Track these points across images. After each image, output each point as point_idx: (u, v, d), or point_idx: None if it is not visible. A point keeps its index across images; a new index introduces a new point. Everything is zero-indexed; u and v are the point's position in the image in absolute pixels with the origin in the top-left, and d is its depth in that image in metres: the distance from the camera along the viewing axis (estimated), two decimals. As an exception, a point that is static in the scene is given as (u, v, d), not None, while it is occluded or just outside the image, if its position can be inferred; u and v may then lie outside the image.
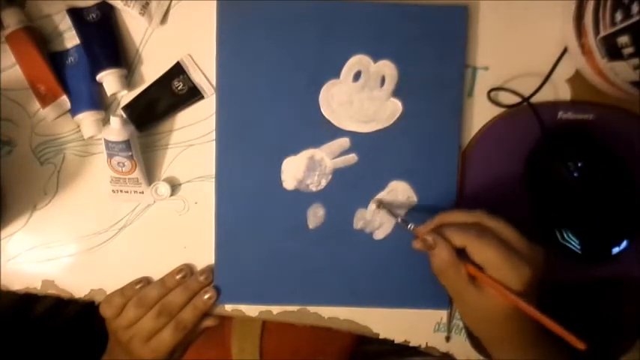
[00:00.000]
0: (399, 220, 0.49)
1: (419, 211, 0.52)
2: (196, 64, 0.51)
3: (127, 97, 0.51)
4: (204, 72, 0.51)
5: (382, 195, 0.52)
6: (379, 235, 0.52)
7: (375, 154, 0.52)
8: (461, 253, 0.43)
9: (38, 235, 0.53)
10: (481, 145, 0.53)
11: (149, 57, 0.52)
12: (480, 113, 0.53)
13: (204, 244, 0.52)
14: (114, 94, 0.51)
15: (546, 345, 0.44)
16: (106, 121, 0.51)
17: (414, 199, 0.52)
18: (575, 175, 0.49)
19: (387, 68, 0.51)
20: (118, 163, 0.49)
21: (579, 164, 0.49)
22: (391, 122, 0.51)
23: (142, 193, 0.52)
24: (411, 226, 0.48)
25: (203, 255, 0.53)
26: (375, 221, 0.52)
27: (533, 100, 0.52)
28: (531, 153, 0.52)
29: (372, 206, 0.51)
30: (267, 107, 0.51)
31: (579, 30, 0.48)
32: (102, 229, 0.53)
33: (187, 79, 0.51)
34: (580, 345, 0.38)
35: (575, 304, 0.53)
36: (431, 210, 0.52)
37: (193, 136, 0.52)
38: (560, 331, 0.39)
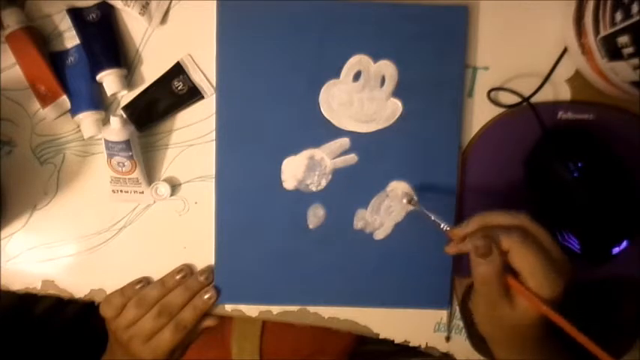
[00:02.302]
0: (432, 218, 0.47)
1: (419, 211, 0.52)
2: (196, 64, 0.51)
3: (127, 97, 0.51)
4: (204, 72, 0.51)
5: (382, 195, 0.52)
6: (379, 235, 0.52)
7: (375, 154, 0.52)
8: None
9: (38, 235, 0.53)
10: (481, 145, 0.53)
11: (149, 57, 0.52)
12: (480, 113, 0.53)
13: (204, 244, 0.52)
14: (114, 94, 0.51)
15: (551, 346, 0.45)
16: (106, 121, 0.51)
17: (415, 199, 0.52)
18: (575, 175, 0.49)
19: (387, 68, 0.51)
20: (118, 163, 0.49)
21: (579, 164, 0.49)
22: (391, 122, 0.51)
23: (142, 193, 0.52)
24: (444, 226, 0.46)
25: (203, 255, 0.53)
26: (375, 221, 0.52)
27: (533, 100, 0.52)
28: (531, 153, 0.52)
29: (403, 201, 0.50)
30: (267, 107, 0.51)
31: (579, 30, 0.48)
32: (102, 229, 0.53)
33: (187, 79, 0.51)
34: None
35: (575, 304, 0.53)
36: (431, 210, 0.52)
37: (193, 136, 0.52)
38: (591, 346, 0.39)
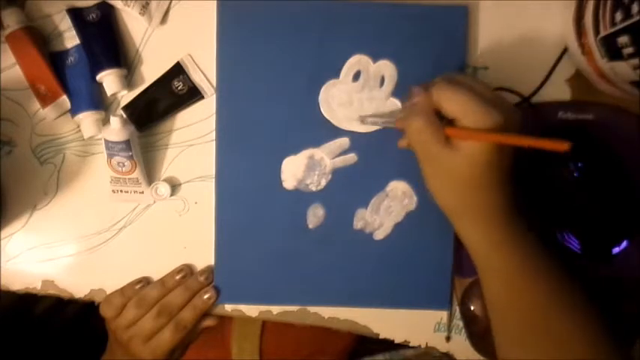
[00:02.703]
0: (381, 123, 0.48)
1: (419, 211, 0.52)
2: (196, 64, 0.51)
3: (127, 97, 0.51)
4: (204, 72, 0.51)
5: (382, 195, 0.52)
6: (379, 235, 0.52)
7: (375, 154, 0.52)
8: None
9: (38, 235, 0.53)
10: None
11: (149, 57, 0.52)
12: (480, 113, 0.53)
13: (204, 244, 0.52)
14: (114, 94, 0.51)
15: (514, 227, 0.43)
16: (106, 121, 0.51)
17: (414, 199, 0.52)
18: (575, 175, 0.49)
19: (386, 68, 0.51)
20: (118, 163, 0.49)
21: (579, 164, 0.49)
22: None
23: (142, 193, 0.52)
24: (393, 121, 0.46)
25: (203, 255, 0.53)
26: (375, 221, 0.52)
27: (533, 100, 0.52)
28: (531, 153, 0.52)
29: (362, 120, 0.50)
30: (267, 107, 0.51)
31: (579, 30, 0.48)
32: (102, 229, 0.53)
33: (187, 79, 0.51)
34: (563, 146, 0.37)
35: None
36: (431, 210, 0.52)
37: (193, 136, 0.52)
38: (540, 142, 0.38)
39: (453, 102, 0.40)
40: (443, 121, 0.41)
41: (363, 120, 0.50)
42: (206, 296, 0.52)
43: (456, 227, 0.44)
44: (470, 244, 0.44)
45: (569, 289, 0.43)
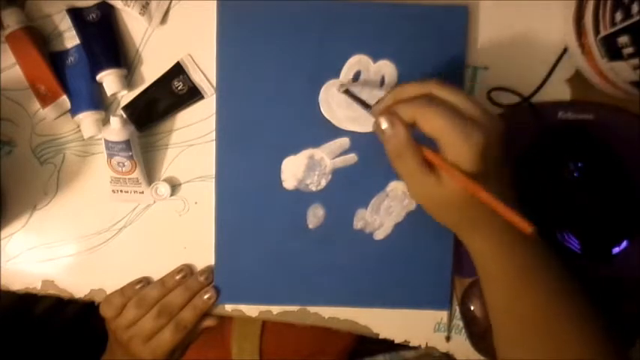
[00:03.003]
0: (359, 103, 0.46)
1: (419, 211, 0.52)
2: (196, 64, 0.51)
3: (127, 97, 0.51)
4: (204, 72, 0.51)
5: (382, 195, 0.52)
6: (379, 235, 0.52)
7: (375, 154, 0.51)
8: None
9: (38, 235, 0.53)
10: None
11: (149, 57, 0.52)
12: (480, 113, 0.53)
13: (204, 244, 0.52)
14: (114, 94, 0.51)
15: (514, 230, 0.41)
16: (106, 121, 0.51)
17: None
18: (575, 175, 0.49)
19: (386, 68, 0.51)
20: (118, 163, 0.49)
21: (579, 164, 0.49)
22: (391, 122, 0.51)
23: (142, 193, 0.52)
24: (370, 108, 0.44)
25: (203, 255, 0.53)
26: (375, 221, 0.52)
27: (533, 100, 0.52)
28: (531, 153, 0.52)
29: (335, 90, 0.49)
30: (267, 107, 0.51)
31: (579, 30, 0.48)
32: (102, 229, 0.53)
33: (187, 79, 0.51)
34: (527, 229, 0.35)
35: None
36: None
37: (193, 136, 0.52)
38: (509, 215, 0.36)
39: (430, 124, 0.38)
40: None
41: (342, 90, 0.48)
42: (206, 296, 0.52)
43: (457, 236, 0.44)
44: (471, 251, 0.44)
45: (570, 290, 0.43)
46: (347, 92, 0.49)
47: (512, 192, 0.41)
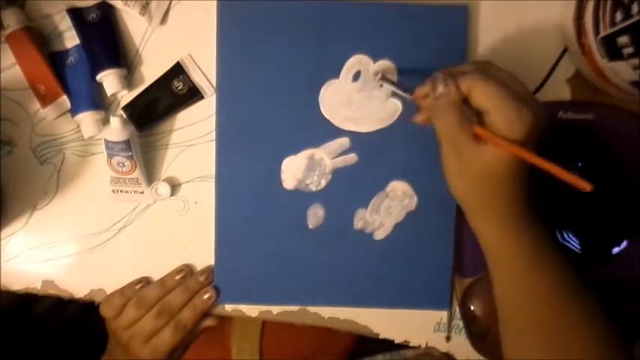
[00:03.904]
0: (400, 91, 0.46)
1: (419, 211, 0.52)
2: (196, 64, 0.51)
3: (127, 97, 0.51)
4: (204, 72, 0.51)
5: (382, 195, 0.52)
6: (379, 235, 0.52)
7: (375, 154, 0.52)
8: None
9: (38, 235, 0.53)
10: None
11: (149, 57, 0.52)
12: (480, 113, 0.53)
13: (204, 244, 0.52)
14: (114, 94, 0.51)
15: (527, 221, 0.43)
16: (106, 121, 0.51)
17: (415, 199, 0.52)
18: (575, 174, 0.49)
19: (386, 68, 0.51)
20: (118, 163, 0.49)
21: (579, 164, 0.49)
22: (391, 122, 0.51)
23: (142, 193, 0.52)
24: (412, 94, 0.44)
25: (203, 255, 0.53)
26: (375, 221, 0.52)
27: (533, 100, 0.52)
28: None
29: (375, 77, 0.49)
30: (267, 107, 0.51)
31: (579, 30, 0.48)
32: (102, 229, 0.53)
33: (187, 79, 0.51)
34: (586, 186, 0.37)
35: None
36: (432, 210, 0.52)
37: (193, 136, 0.52)
38: (564, 174, 0.38)
39: (485, 95, 0.39)
40: (471, 111, 0.41)
41: (378, 77, 0.48)
42: (206, 296, 0.51)
43: (468, 219, 0.44)
44: (482, 236, 0.44)
45: (578, 288, 0.43)
46: (384, 79, 0.48)
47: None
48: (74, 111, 0.50)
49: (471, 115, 0.40)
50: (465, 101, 0.41)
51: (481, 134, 0.40)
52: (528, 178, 0.42)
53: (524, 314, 0.43)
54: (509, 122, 0.39)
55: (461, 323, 0.54)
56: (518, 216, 0.42)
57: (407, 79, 0.51)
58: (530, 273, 0.42)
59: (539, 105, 0.41)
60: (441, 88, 0.41)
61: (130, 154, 0.48)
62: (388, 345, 0.56)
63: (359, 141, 0.51)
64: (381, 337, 0.55)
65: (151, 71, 0.51)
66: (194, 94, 0.51)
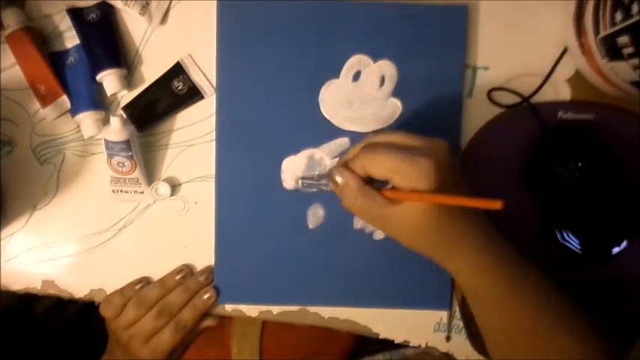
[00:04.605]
0: (316, 187, 0.49)
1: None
2: (196, 64, 0.51)
3: (127, 97, 0.51)
4: (204, 72, 0.51)
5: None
6: (379, 235, 0.52)
7: (375, 154, 0.51)
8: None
9: (38, 235, 0.53)
10: (481, 145, 0.53)
11: (149, 57, 0.52)
12: (480, 113, 0.53)
13: (204, 244, 0.52)
14: (114, 94, 0.51)
15: (493, 250, 0.43)
16: (106, 121, 0.51)
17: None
18: (575, 175, 0.49)
19: (386, 68, 0.51)
20: (118, 163, 0.49)
21: (579, 164, 0.49)
22: (391, 122, 0.51)
23: (142, 193, 0.52)
24: (326, 181, 0.47)
25: (203, 255, 0.53)
26: (375, 221, 0.52)
27: (533, 100, 0.52)
28: (531, 153, 0.52)
29: (297, 182, 0.51)
30: (267, 107, 0.51)
31: (579, 30, 0.48)
32: (102, 229, 0.53)
33: (187, 79, 0.51)
34: (496, 205, 0.37)
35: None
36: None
37: (193, 136, 0.52)
38: (472, 202, 0.39)
39: (378, 167, 0.40)
40: (376, 183, 0.42)
41: (298, 182, 0.50)
42: (206, 296, 0.52)
43: (439, 263, 0.44)
44: (454, 276, 0.44)
45: (556, 303, 0.43)
46: (304, 181, 0.49)
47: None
48: (74, 111, 0.50)
49: (375, 192, 0.41)
50: (372, 180, 0.42)
51: (392, 196, 0.41)
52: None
53: (502, 336, 0.44)
54: (411, 177, 0.39)
55: (461, 323, 0.54)
56: (481, 247, 0.42)
57: (407, 79, 0.51)
58: (507, 301, 0.43)
59: (434, 142, 0.41)
60: (339, 180, 0.42)
61: (130, 154, 0.48)
62: (388, 345, 0.56)
63: (359, 141, 0.51)
64: (381, 337, 0.55)
65: (151, 71, 0.51)
66: (194, 94, 0.51)
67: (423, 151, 0.40)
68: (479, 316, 0.45)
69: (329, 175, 0.44)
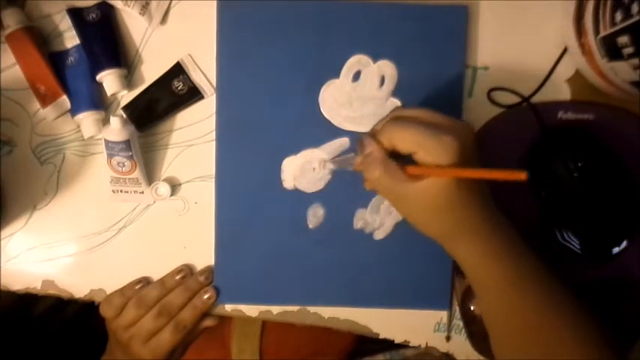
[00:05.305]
0: (344, 161, 0.49)
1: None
2: (196, 64, 0.51)
3: (127, 97, 0.51)
4: (204, 72, 0.51)
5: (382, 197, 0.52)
6: (379, 235, 0.52)
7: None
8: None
9: (38, 235, 0.53)
10: (481, 145, 0.53)
11: (149, 57, 0.52)
12: (480, 113, 0.53)
13: (204, 244, 0.52)
14: (114, 94, 0.51)
15: (500, 238, 0.43)
16: (106, 121, 0.51)
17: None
18: (575, 175, 0.49)
19: (386, 68, 0.51)
20: (118, 163, 0.49)
21: (579, 164, 0.49)
22: (391, 122, 0.51)
23: (142, 193, 0.52)
24: (352, 162, 0.47)
25: (203, 255, 0.53)
26: (375, 221, 0.52)
27: (533, 100, 0.52)
28: (531, 153, 0.52)
29: (324, 167, 0.51)
30: (267, 107, 0.51)
31: (579, 30, 0.48)
32: (102, 229, 0.53)
33: (187, 79, 0.51)
34: (521, 175, 0.38)
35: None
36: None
37: (193, 136, 0.52)
38: (496, 174, 0.39)
39: (404, 140, 0.41)
40: (400, 159, 0.42)
41: (324, 165, 0.51)
42: (206, 296, 0.52)
43: (446, 249, 0.44)
44: (461, 262, 0.44)
45: (562, 299, 0.43)
46: (327, 165, 0.50)
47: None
48: (74, 111, 0.50)
49: (397, 167, 0.41)
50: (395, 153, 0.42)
51: (415, 172, 0.41)
52: (488, 194, 0.43)
53: (509, 331, 0.44)
54: (434, 153, 0.39)
55: (461, 323, 0.54)
56: (488, 234, 0.42)
57: (407, 80, 0.51)
58: (513, 290, 0.42)
59: (464, 125, 0.42)
60: (366, 149, 0.43)
61: (130, 154, 0.48)
62: (388, 345, 0.56)
63: (359, 139, 0.51)
64: (381, 337, 0.55)
65: (151, 71, 0.51)
66: (194, 94, 0.51)
67: (450, 129, 0.40)
68: (484, 309, 0.45)
69: (358, 144, 0.44)
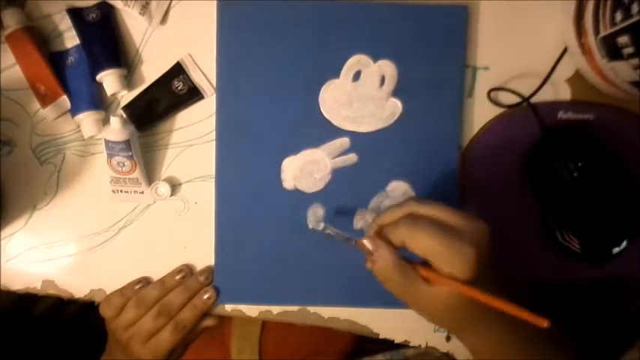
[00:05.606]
0: (343, 238, 0.45)
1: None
2: (196, 64, 0.51)
3: (127, 97, 0.51)
4: (204, 72, 0.51)
5: (382, 195, 0.52)
6: (379, 235, 0.52)
7: (375, 154, 0.52)
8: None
9: (38, 235, 0.53)
10: (481, 145, 0.53)
11: (149, 57, 0.52)
12: (480, 113, 0.53)
13: (204, 244, 0.52)
14: (114, 94, 0.51)
15: (514, 331, 0.42)
16: (106, 121, 0.51)
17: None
18: (575, 175, 0.49)
19: (386, 68, 0.51)
20: (118, 163, 0.49)
21: (579, 164, 0.49)
22: (391, 122, 0.51)
23: (142, 193, 0.52)
24: (353, 241, 0.43)
25: (203, 255, 0.53)
26: (375, 221, 0.52)
27: (533, 100, 0.52)
28: (531, 153, 0.52)
29: (318, 224, 0.49)
30: (267, 107, 0.51)
31: (579, 30, 0.48)
32: (102, 229, 0.53)
33: (187, 79, 0.51)
34: (543, 322, 0.36)
35: (575, 304, 0.53)
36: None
37: (193, 136, 0.52)
38: (518, 312, 0.37)
39: (419, 245, 0.39)
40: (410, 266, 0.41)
41: (319, 225, 0.48)
42: (206, 296, 0.51)
43: (459, 339, 0.44)
44: (475, 354, 0.44)
45: None
46: (325, 231, 0.47)
47: (504, 288, 0.40)
48: (74, 111, 0.50)
49: (410, 269, 0.40)
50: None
51: (429, 277, 0.40)
52: (501, 285, 0.41)
53: None
54: (450, 265, 0.38)
55: (461, 323, 0.54)
56: (499, 330, 0.42)
57: (407, 79, 0.51)
58: None
59: (475, 224, 0.39)
60: (374, 255, 0.41)
61: (130, 154, 0.48)
62: (388, 345, 0.56)
63: (359, 141, 0.51)
64: (381, 337, 0.55)
65: (151, 71, 0.51)
66: (194, 94, 0.51)
67: (467, 236, 0.38)
68: None
69: (360, 245, 0.41)
